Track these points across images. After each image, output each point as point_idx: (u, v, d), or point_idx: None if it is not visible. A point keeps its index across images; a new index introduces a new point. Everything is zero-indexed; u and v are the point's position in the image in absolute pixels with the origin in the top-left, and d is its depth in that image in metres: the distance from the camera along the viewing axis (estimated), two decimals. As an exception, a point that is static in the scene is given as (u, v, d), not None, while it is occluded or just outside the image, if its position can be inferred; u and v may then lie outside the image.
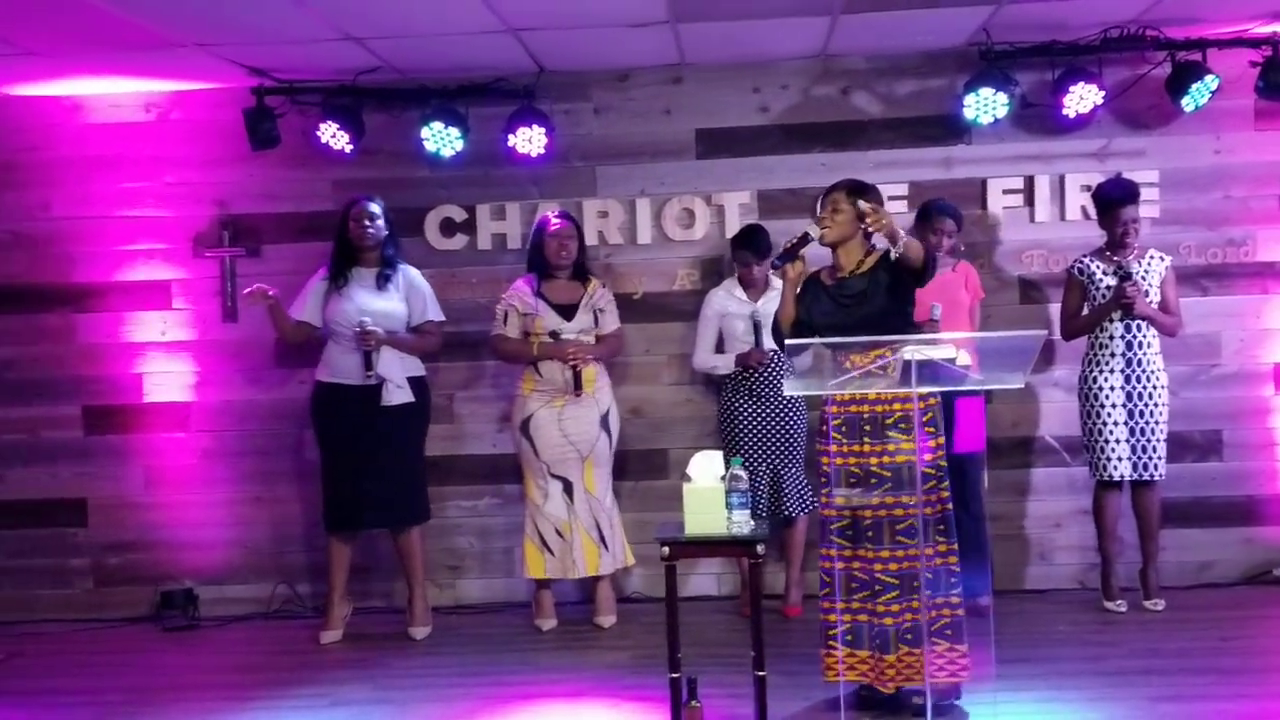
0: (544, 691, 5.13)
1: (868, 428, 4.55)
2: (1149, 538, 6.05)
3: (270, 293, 5.88)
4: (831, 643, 4.61)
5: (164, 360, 6.73)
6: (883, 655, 4.53)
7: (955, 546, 4.60)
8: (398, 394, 5.92)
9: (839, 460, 4.63)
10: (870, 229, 4.52)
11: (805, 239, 4.59)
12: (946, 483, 4.59)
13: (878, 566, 4.53)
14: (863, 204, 4.53)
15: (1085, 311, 6.02)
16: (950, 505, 4.60)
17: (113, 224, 6.70)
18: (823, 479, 4.68)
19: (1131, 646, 5.45)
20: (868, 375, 4.44)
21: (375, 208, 5.99)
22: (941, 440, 4.60)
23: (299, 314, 6.02)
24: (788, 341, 4.69)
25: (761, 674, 4.32)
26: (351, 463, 5.94)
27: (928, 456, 4.54)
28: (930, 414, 4.58)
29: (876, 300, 4.61)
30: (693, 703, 4.30)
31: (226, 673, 5.71)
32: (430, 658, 5.76)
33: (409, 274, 6.09)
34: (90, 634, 6.45)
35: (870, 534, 4.52)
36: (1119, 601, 6.02)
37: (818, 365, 5.72)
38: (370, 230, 5.95)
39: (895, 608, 4.52)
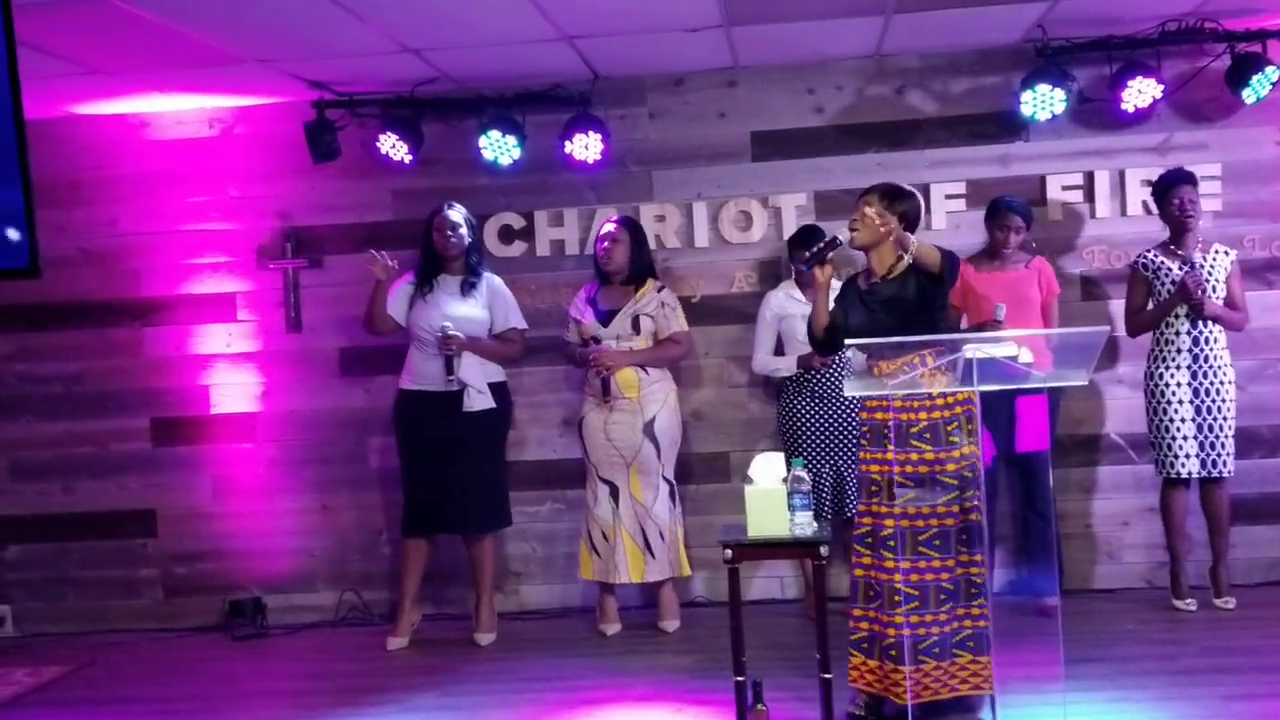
0: (609, 696, 5.13)
1: (892, 435, 4.50)
2: (1218, 535, 5.97)
3: (392, 264, 5.97)
4: (853, 650, 4.56)
5: (230, 371, 6.82)
6: (898, 667, 4.41)
7: (979, 558, 4.48)
8: (479, 400, 5.98)
9: (864, 468, 4.61)
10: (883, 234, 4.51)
11: (834, 242, 4.58)
12: (972, 492, 4.48)
13: (898, 577, 4.41)
14: (868, 210, 4.53)
15: (1150, 307, 5.96)
16: (975, 515, 4.48)
17: (178, 238, 6.81)
18: (873, 488, 4.60)
19: (1202, 645, 5.38)
20: (930, 375, 4.38)
21: (458, 216, 6.05)
22: (969, 449, 4.49)
23: (389, 308, 6.08)
24: (849, 342, 4.65)
25: (827, 676, 4.29)
26: (433, 468, 5.99)
27: (950, 467, 4.47)
28: (955, 423, 4.49)
29: (907, 305, 4.58)
30: (759, 706, 4.28)
31: (295, 680, 5.77)
32: (496, 663, 5.78)
33: (492, 282, 6.14)
34: (160, 643, 6.53)
35: (891, 543, 4.44)
36: (1189, 600, 5.94)
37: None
38: (453, 239, 6.02)
39: (914, 619, 4.43)
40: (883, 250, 4.65)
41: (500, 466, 6.21)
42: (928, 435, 4.48)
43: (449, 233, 6.00)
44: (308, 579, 6.80)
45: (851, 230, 4.62)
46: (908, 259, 4.56)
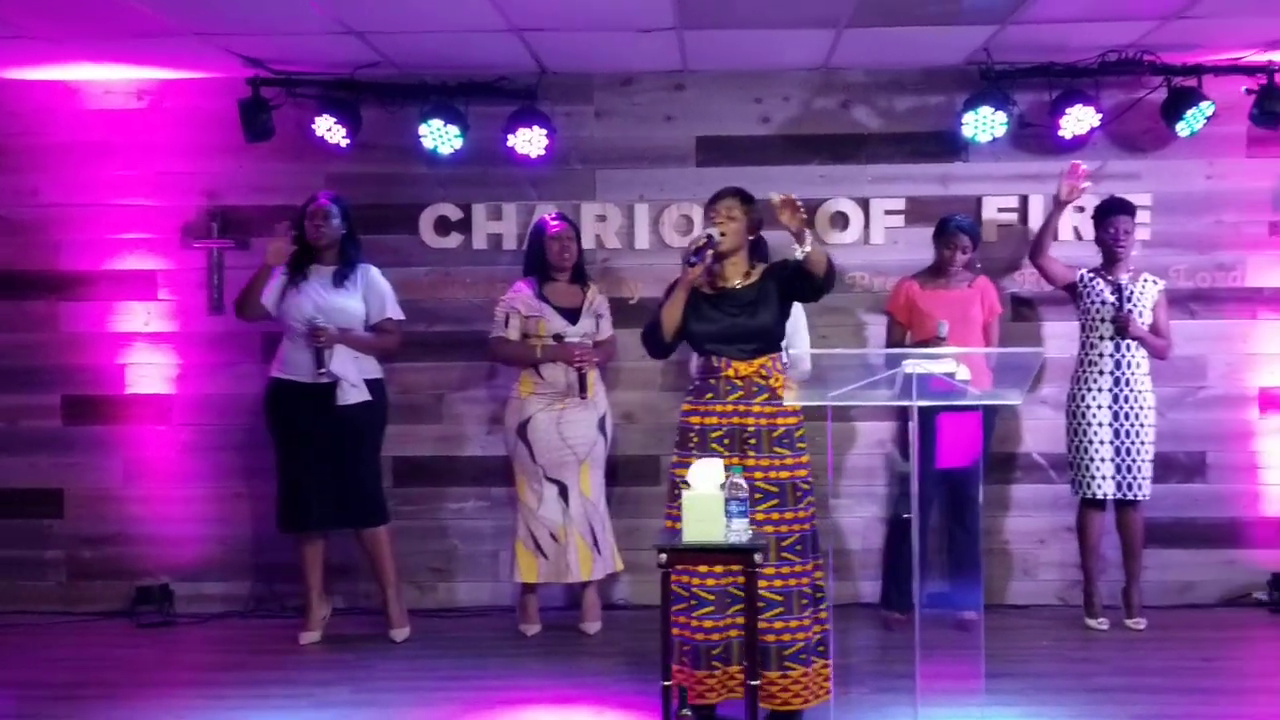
0: (529, 697, 5.09)
1: (753, 441, 4.55)
2: (1132, 557, 6.11)
3: (293, 248, 5.83)
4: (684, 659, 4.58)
5: (147, 351, 6.65)
6: (711, 670, 4.52)
7: (822, 563, 4.64)
8: (353, 393, 5.84)
9: (675, 472, 4.62)
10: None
11: (711, 241, 4.55)
12: (811, 499, 4.64)
13: (762, 584, 4.43)
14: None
15: (1079, 321, 6.10)
16: (816, 521, 4.67)
17: (101, 212, 6.62)
18: (675, 492, 4.60)
19: (1115, 664, 5.50)
20: (785, 384, 4.57)
21: (332, 207, 5.92)
22: (806, 459, 4.64)
23: (264, 297, 5.92)
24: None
25: (755, 683, 4.29)
26: (303, 461, 5.87)
27: (801, 473, 4.60)
28: (801, 430, 4.63)
29: (766, 311, 4.61)
30: (684, 711, 4.26)
31: (204, 671, 5.63)
32: (414, 660, 5.70)
33: (369, 272, 6.01)
34: (63, 628, 6.35)
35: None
36: (1101, 619, 6.07)
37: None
38: (324, 229, 5.88)
39: (778, 625, 4.51)
40: (738, 256, 4.67)
41: (375, 463, 6.08)
42: (786, 441, 4.58)
43: (320, 222, 5.88)
44: (219, 568, 6.64)
45: (721, 233, 4.57)
46: (765, 265, 4.66)
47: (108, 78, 6.53)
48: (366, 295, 5.96)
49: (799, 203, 4.38)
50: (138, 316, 6.64)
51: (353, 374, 5.85)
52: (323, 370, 5.77)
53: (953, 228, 6.02)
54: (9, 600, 6.59)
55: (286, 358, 5.92)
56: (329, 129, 6.28)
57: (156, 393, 6.65)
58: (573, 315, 5.99)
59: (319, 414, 5.81)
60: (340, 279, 5.91)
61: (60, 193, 6.61)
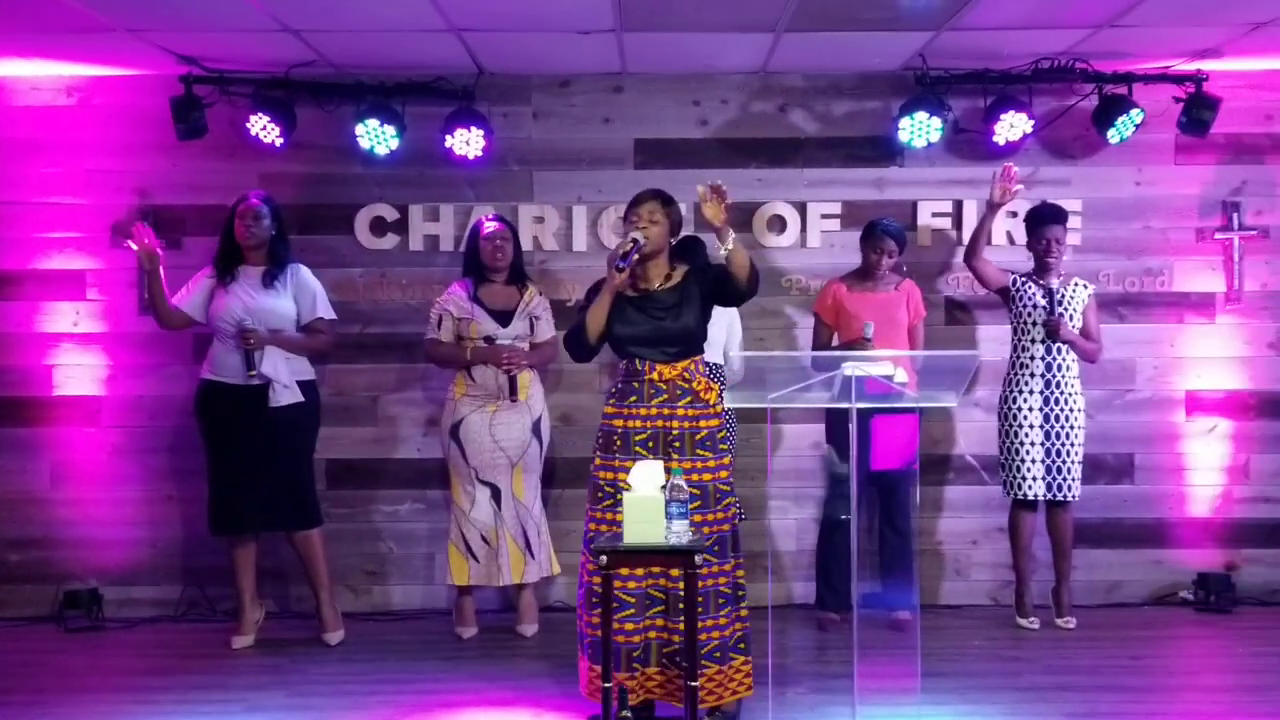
0: (467, 700, 5.06)
1: (677, 444, 4.58)
2: (1062, 557, 6.20)
3: (158, 252, 5.70)
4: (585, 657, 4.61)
5: (76, 353, 6.54)
6: (644, 670, 4.56)
7: (742, 560, 4.72)
8: (285, 395, 5.78)
9: (599, 475, 4.63)
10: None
11: (637, 245, 4.53)
12: (733, 498, 4.69)
13: (632, 585, 4.52)
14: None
15: (1011, 325, 6.17)
16: (739, 521, 4.73)
17: (29, 210, 6.51)
18: (599, 494, 4.64)
19: (1046, 663, 5.58)
20: (706, 385, 4.60)
21: (262, 207, 5.85)
22: (727, 460, 4.71)
23: (180, 302, 5.86)
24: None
25: (694, 684, 4.30)
26: (235, 463, 5.80)
27: (723, 474, 4.65)
28: (724, 431, 4.70)
29: (689, 314, 4.62)
30: (624, 713, 4.27)
31: (135, 676, 5.52)
32: (348, 664, 5.65)
33: (299, 272, 5.94)
34: (-11, 632, 6.23)
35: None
36: (1032, 619, 6.15)
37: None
38: (254, 230, 5.81)
39: (709, 622, 4.54)
40: (660, 259, 4.68)
41: (308, 465, 6.02)
42: (709, 443, 4.61)
43: (250, 222, 5.80)
44: (149, 571, 6.55)
45: (645, 237, 4.56)
46: (686, 268, 4.68)
47: (36, 74, 6.41)
48: (297, 295, 5.89)
49: (724, 190, 4.39)
50: (66, 317, 6.53)
51: (284, 375, 5.78)
52: (253, 372, 5.70)
53: (879, 231, 6.08)
54: (-68, 605, 6.45)
55: (216, 359, 5.84)
56: (263, 128, 6.21)
57: (85, 394, 6.54)
58: (506, 317, 5.97)
59: (250, 416, 5.74)
60: (270, 279, 5.84)
61: (-14, 191, 6.49)
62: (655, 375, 4.59)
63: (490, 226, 6.00)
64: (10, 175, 6.49)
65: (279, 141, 6.26)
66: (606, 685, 4.20)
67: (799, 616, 6.24)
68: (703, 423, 4.61)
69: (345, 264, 6.41)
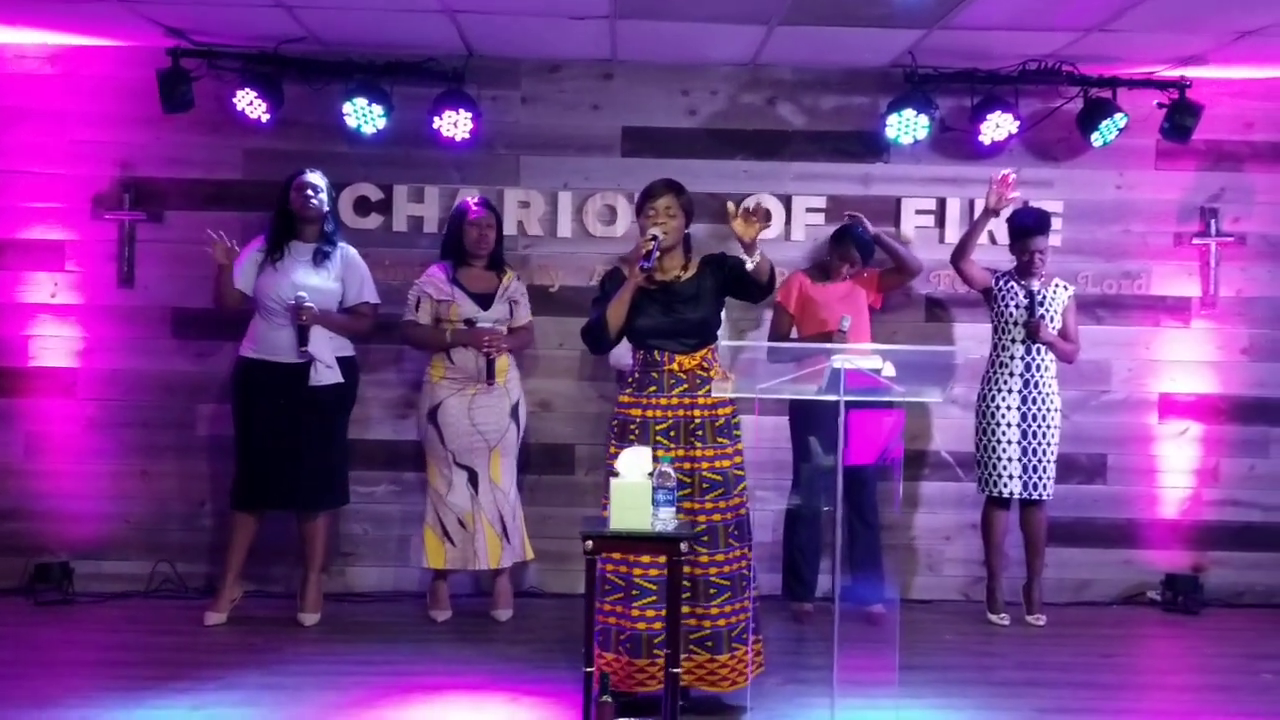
0: (443, 683, 5.06)
1: (699, 432, 4.62)
2: (1034, 555, 6.25)
3: (232, 246, 5.76)
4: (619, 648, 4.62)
5: (53, 324, 6.48)
6: (633, 660, 4.57)
7: (748, 551, 4.75)
8: (327, 374, 5.81)
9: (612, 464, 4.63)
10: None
11: (658, 243, 4.55)
12: (742, 485, 4.74)
13: (713, 570, 4.59)
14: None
15: (991, 324, 6.22)
16: (744, 511, 4.74)
17: (9, 179, 6.44)
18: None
19: (1017, 659, 5.64)
20: (723, 375, 4.64)
21: (319, 180, 5.87)
22: (740, 446, 4.75)
23: (237, 282, 5.84)
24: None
25: (676, 670, 4.32)
26: (272, 441, 5.79)
27: (738, 460, 4.72)
28: (738, 418, 4.74)
29: (707, 305, 4.68)
30: (604, 698, 4.28)
31: (107, 650, 5.52)
32: (323, 644, 5.64)
33: (347, 253, 5.96)
34: (-43, 605, 6.16)
35: (706, 538, 4.57)
36: (1003, 615, 6.21)
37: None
38: (313, 202, 5.82)
39: (728, 609, 4.62)
40: (676, 251, 4.70)
41: (343, 443, 6.06)
42: (726, 431, 4.68)
43: (310, 193, 5.82)
44: (121, 546, 6.49)
45: (663, 231, 4.57)
46: (701, 258, 4.71)
47: (20, 41, 6.34)
48: (345, 276, 5.91)
49: (763, 212, 4.43)
50: (44, 288, 6.47)
51: (327, 355, 5.81)
52: (304, 349, 5.71)
53: (849, 239, 6.14)
54: (-100, 575, 6.37)
55: (260, 336, 5.83)
56: (250, 103, 6.16)
57: (61, 366, 6.48)
58: (486, 300, 5.97)
59: (291, 394, 5.76)
60: (320, 258, 5.85)
61: (-33, 158, 6.41)
62: (675, 366, 4.62)
63: (477, 211, 5.99)
64: (-12, 144, 6.43)
65: (265, 118, 6.22)
66: (588, 670, 4.20)
67: (769, 607, 6.21)
68: (720, 410, 4.66)
69: (328, 242, 6.38)
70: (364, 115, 6.18)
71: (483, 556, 5.99)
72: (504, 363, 5.99)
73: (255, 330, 5.86)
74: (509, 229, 6.37)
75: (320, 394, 5.81)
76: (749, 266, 4.47)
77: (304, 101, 6.36)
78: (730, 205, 4.47)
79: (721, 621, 4.60)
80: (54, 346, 6.48)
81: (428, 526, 6.04)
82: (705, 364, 4.66)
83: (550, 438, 6.53)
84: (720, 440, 4.65)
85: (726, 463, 4.66)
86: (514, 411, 6.05)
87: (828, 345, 4.96)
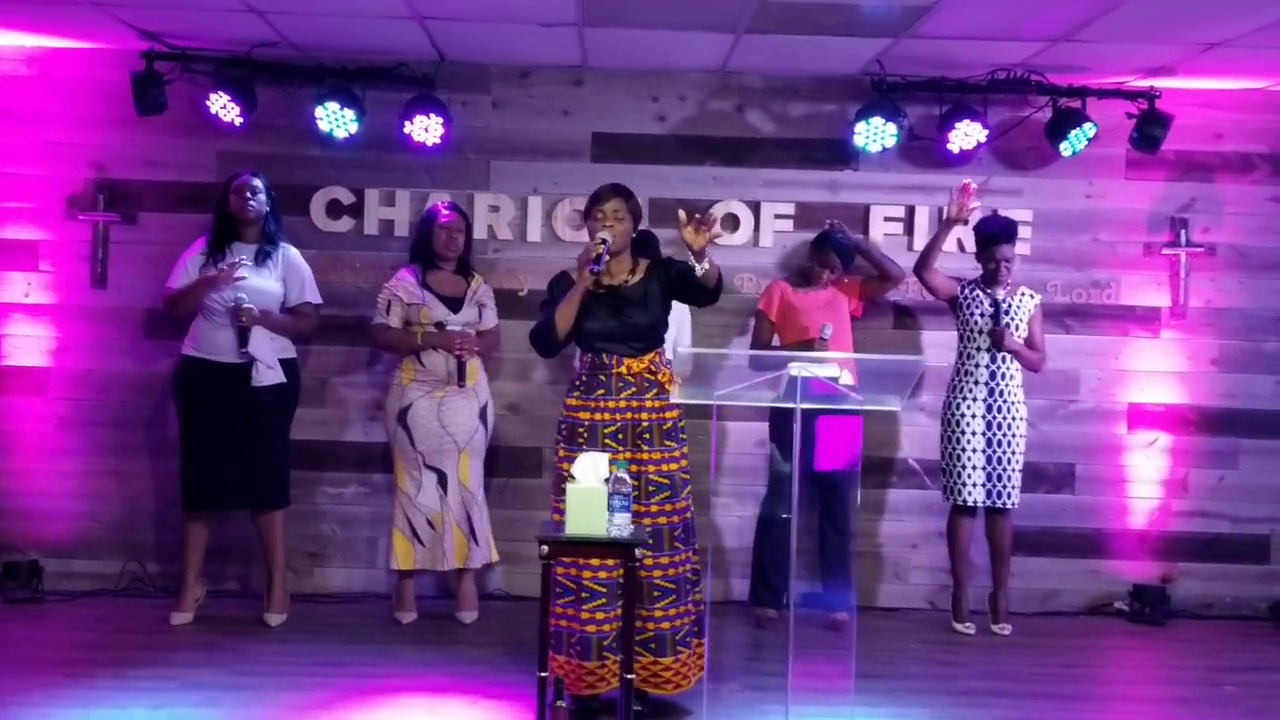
0: (404, 685, 5.08)
1: (647, 435, 4.65)
2: (1000, 563, 6.25)
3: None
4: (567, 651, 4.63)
5: (25, 323, 6.52)
6: (583, 662, 4.59)
7: (698, 548, 4.82)
8: (268, 374, 5.81)
9: (563, 467, 4.64)
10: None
11: (607, 246, 4.56)
12: (691, 487, 4.78)
13: (657, 573, 4.62)
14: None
15: (957, 332, 6.23)
16: (690, 514, 4.78)
17: (-17, 179, 6.48)
18: (563, 486, 4.56)
19: (980, 668, 5.64)
20: (671, 379, 4.69)
21: (258, 182, 5.88)
22: (685, 449, 4.79)
23: (177, 284, 5.86)
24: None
25: (630, 675, 4.33)
26: (214, 441, 5.81)
27: (684, 463, 4.75)
28: (684, 421, 4.78)
29: (655, 309, 4.70)
30: (559, 703, 4.29)
31: (72, 649, 5.53)
32: (287, 645, 5.67)
33: (289, 253, 5.98)
34: (-75, 602, 6.19)
35: (651, 540, 4.59)
36: (968, 624, 6.21)
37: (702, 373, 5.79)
38: (252, 204, 5.83)
39: (672, 611, 4.65)
40: (623, 255, 4.72)
41: (285, 443, 6.06)
42: (673, 434, 4.72)
43: (249, 195, 5.83)
44: (90, 545, 6.53)
45: (612, 235, 4.58)
46: (649, 262, 4.74)
47: (-5, 43, 6.40)
48: (286, 277, 5.92)
49: (713, 220, 4.42)
50: (17, 287, 6.51)
51: (268, 355, 5.81)
52: (245, 350, 5.72)
53: (829, 246, 6.16)
54: None
55: (201, 336, 5.84)
56: (223, 106, 6.20)
57: (33, 365, 6.52)
58: (455, 304, 6.00)
59: (232, 394, 5.77)
60: (262, 258, 5.86)
61: (-60, 158, 6.46)
62: (624, 369, 4.64)
63: (447, 215, 6.03)
64: (-38, 144, 6.47)
65: (238, 121, 6.25)
66: (542, 675, 4.20)
67: (735, 612, 6.26)
68: (668, 413, 4.70)
69: (299, 245, 6.29)
70: (336, 119, 6.21)
71: (450, 557, 6.02)
72: (474, 365, 6.02)
73: (197, 329, 5.87)
74: (479, 233, 6.40)
75: (262, 394, 5.81)
76: (698, 273, 4.47)
77: (276, 105, 6.39)
78: (681, 213, 4.47)
79: (665, 624, 4.63)
80: (26, 346, 6.52)
81: (395, 528, 6.06)
82: (653, 367, 4.69)
83: (516, 440, 6.56)
84: (668, 443, 4.68)
85: (674, 465, 4.69)
86: (482, 414, 6.08)
87: (808, 354, 4.99)
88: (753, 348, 6.25)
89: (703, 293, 4.58)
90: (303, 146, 6.45)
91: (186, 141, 6.45)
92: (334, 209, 6.53)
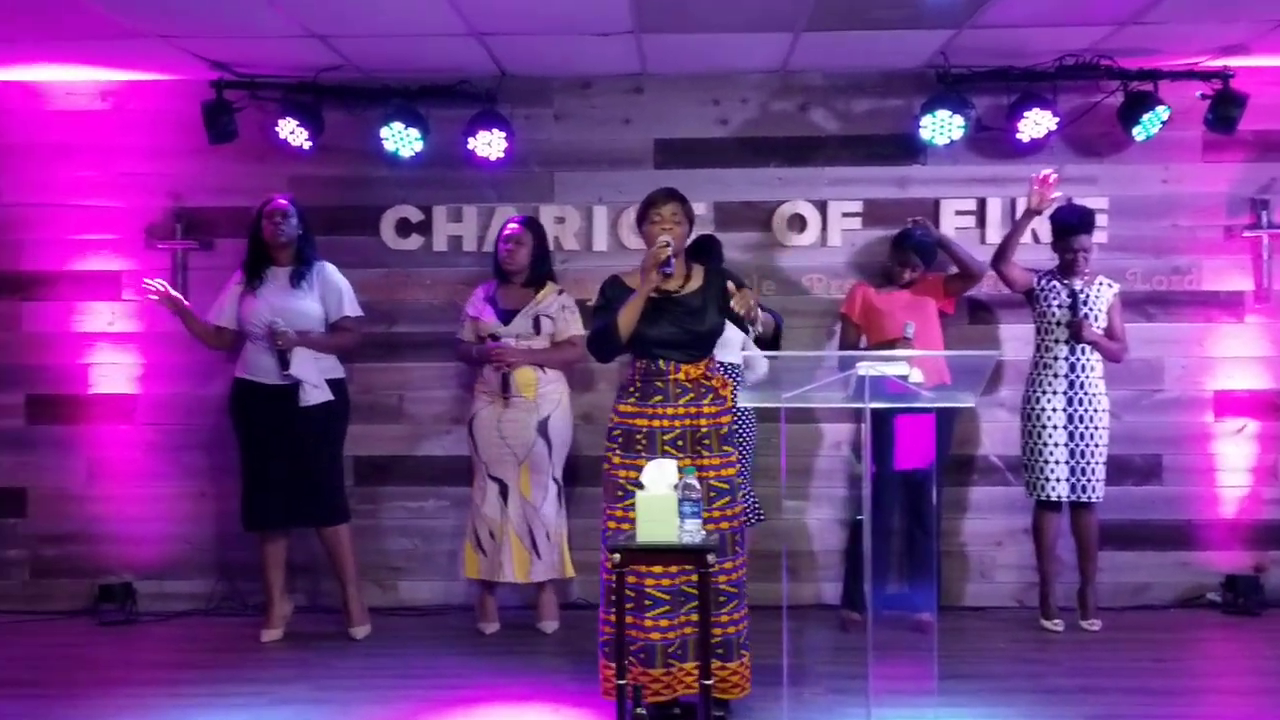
0: (485, 695, 5.11)
1: (706, 441, 4.62)
2: (1087, 559, 6.15)
3: (172, 294, 5.90)
4: (631, 659, 4.57)
5: (111, 351, 6.68)
6: (647, 670, 4.56)
7: (740, 562, 4.73)
8: (314, 394, 5.87)
9: (617, 474, 4.66)
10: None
11: (670, 245, 4.55)
12: (744, 494, 4.79)
13: (721, 579, 4.57)
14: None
15: (1035, 325, 6.14)
16: (740, 521, 4.73)
17: (65, 212, 6.65)
18: (620, 493, 4.64)
19: (1069, 665, 5.54)
20: (723, 383, 4.68)
21: (288, 206, 5.96)
22: (737, 455, 4.78)
23: (216, 318, 6.01)
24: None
25: (709, 683, 4.32)
26: (267, 461, 5.91)
27: (738, 468, 4.75)
28: (736, 427, 4.81)
29: (713, 317, 4.67)
30: (639, 710, 4.30)
31: (165, 669, 5.63)
32: (371, 658, 5.73)
33: (325, 270, 6.03)
34: (26, 626, 6.35)
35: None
36: (1056, 621, 6.11)
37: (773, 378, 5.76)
38: (284, 228, 5.92)
39: (736, 615, 4.63)
40: (680, 258, 4.70)
41: (337, 462, 6.11)
42: (730, 439, 4.72)
43: (279, 220, 5.91)
44: (181, 566, 6.67)
45: (673, 237, 4.58)
46: (705, 269, 4.75)
47: (71, 79, 6.56)
48: (324, 294, 5.99)
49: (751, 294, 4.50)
50: (102, 316, 6.67)
51: (314, 375, 5.88)
52: (287, 373, 5.80)
53: (908, 246, 6.09)
54: (-29, 599, 6.61)
55: (249, 359, 5.96)
56: (291, 131, 6.31)
57: (120, 392, 6.68)
58: (511, 316, 6.03)
59: (282, 415, 5.85)
60: (297, 279, 5.94)
61: (22, 193, 6.66)
62: (681, 375, 4.63)
63: (508, 229, 6.07)
64: (46, 178, 6.64)
65: (307, 145, 6.36)
66: (620, 683, 4.22)
67: (817, 617, 6.24)
68: (724, 419, 4.69)
69: (371, 264, 6.49)
70: (401, 139, 6.30)
71: (509, 568, 6.04)
72: (530, 377, 6.00)
73: (245, 354, 5.99)
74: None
75: (310, 414, 5.88)
76: (752, 335, 4.64)
77: (343, 128, 6.50)
78: (730, 285, 4.46)
79: (731, 629, 4.62)
80: (113, 374, 6.68)
81: (467, 537, 6.16)
82: (709, 374, 4.69)
83: (593, 449, 6.51)
84: (725, 449, 4.68)
85: (731, 470, 4.69)
86: (542, 427, 6.03)
87: (877, 353, 4.95)
88: (840, 350, 6.21)
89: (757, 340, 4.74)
90: (370, 167, 6.54)
91: (258, 168, 6.56)
92: (403, 227, 6.62)
